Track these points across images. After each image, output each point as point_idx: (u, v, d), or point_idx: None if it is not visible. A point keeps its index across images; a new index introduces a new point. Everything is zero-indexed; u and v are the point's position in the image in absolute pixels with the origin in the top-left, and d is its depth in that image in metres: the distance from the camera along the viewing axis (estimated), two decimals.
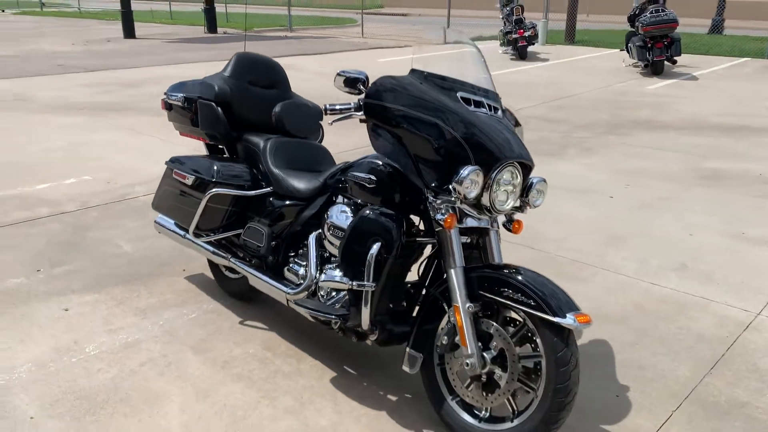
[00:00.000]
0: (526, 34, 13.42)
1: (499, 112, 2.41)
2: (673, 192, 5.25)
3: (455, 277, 2.24)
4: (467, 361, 2.22)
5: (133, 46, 15.79)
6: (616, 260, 3.94)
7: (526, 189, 2.39)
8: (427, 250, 2.49)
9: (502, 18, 14.19)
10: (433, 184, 2.22)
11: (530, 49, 14.10)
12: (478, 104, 2.33)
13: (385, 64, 13.03)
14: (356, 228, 2.36)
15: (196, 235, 3.08)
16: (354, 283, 2.26)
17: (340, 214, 2.56)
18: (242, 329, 3.09)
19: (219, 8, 23.09)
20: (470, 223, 2.31)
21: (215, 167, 2.98)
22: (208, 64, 12.30)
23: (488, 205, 2.23)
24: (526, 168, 2.32)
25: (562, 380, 2.08)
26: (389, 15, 32.77)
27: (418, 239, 2.39)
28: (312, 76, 11.24)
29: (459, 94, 2.29)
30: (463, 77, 2.44)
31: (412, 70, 2.31)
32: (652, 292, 3.53)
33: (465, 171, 2.12)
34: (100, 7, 31.55)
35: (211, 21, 19.51)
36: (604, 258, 3.97)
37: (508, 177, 2.25)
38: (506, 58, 13.94)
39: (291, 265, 2.85)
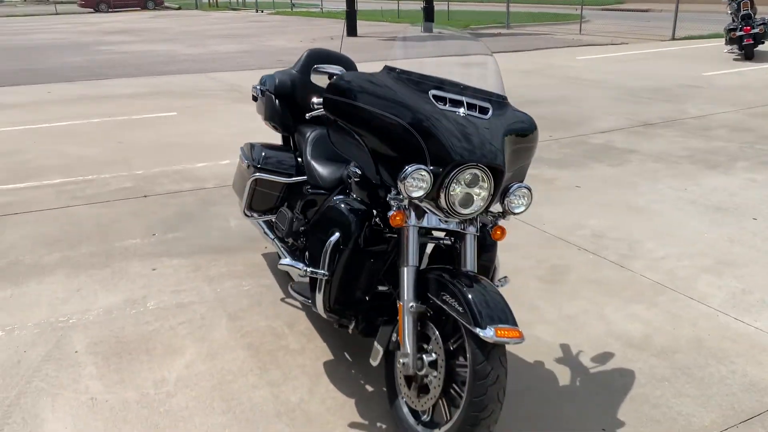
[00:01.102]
0: (754, 31, 11.86)
1: (489, 113, 2.33)
2: None
3: (404, 276, 2.23)
4: (401, 360, 2.21)
5: (349, 43, 16.95)
6: (706, 288, 3.47)
7: (502, 195, 2.29)
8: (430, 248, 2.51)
9: (730, 13, 12.68)
10: (389, 182, 2.23)
11: (759, 48, 12.43)
12: (457, 103, 2.28)
13: (581, 61, 12.44)
14: (320, 216, 2.45)
15: (247, 215, 3.39)
16: (308, 269, 2.37)
17: (341, 201, 2.67)
18: (278, 305, 3.33)
19: (441, 6, 23.72)
20: (432, 223, 2.28)
21: (262, 154, 3.24)
22: None
23: (445, 207, 2.19)
24: (499, 172, 2.22)
25: (478, 394, 2.00)
26: (628, 11, 30.81)
27: (386, 234, 2.41)
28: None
29: (432, 93, 2.27)
30: (451, 75, 2.41)
31: (386, 67, 2.33)
32: (729, 328, 3.08)
33: (409, 169, 2.11)
34: (342, 7, 34.12)
35: (428, 19, 20.13)
36: (694, 284, 3.52)
37: (470, 180, 2.18)
38: (729, 59, 12.47)
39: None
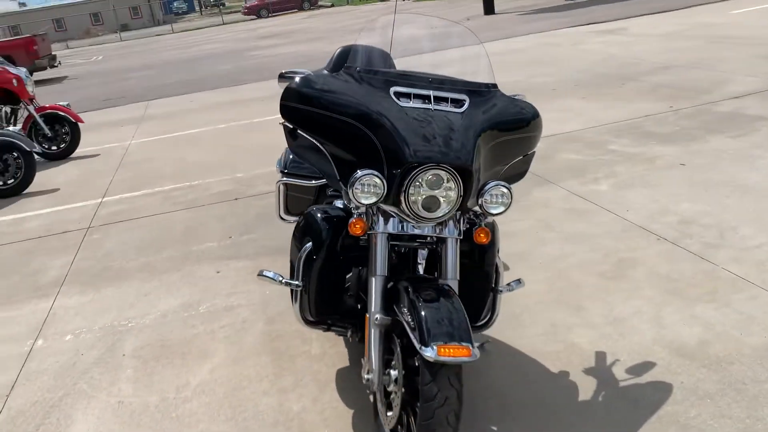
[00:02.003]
0: None
1: (465, 106, 2.14)
2: None
3: (371, 286, 2.12)
4: (365, 375, 2.10)
5: (485, 22, 16.52)
6: None
7: (477, 195, 2.10)
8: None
9: None
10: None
11: None
12: (424, 98, 2.12)
13: (733, 16, 11.07)
14: (297, 225, 2.39)
15: (283, 218, 3.41)
16: (283, 280, 2.32)
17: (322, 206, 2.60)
18: None
19: None
20: (402, 229, 2.13)
21: (290, 158, 3.25)
22: (543, 35, 12.30)
23: (407, 212, 2.04)
24: (467, 172, 2.03)
25: (425, 417, 1.85)
26: None
27: (362, 242, 2.30)
28: (629, 40, 10.30)
29: (393, 90, 2.13)
30: (426, 67, 2.25)
31: (346, 66, 2.21)
32: None
33: (357, 174, 1.99)
34: None
35: None
36: None
37: (432, 181, 2.02)
38: None
39: None
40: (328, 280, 2.28)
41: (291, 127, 2.23)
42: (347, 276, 2.39)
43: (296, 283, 2.30)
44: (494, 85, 2.29)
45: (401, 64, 2.46)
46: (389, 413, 2.11)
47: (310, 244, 2.27)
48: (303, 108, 2.16)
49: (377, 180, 1.99)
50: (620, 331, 2.78)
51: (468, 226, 2.21)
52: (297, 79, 2.20)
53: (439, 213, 2.06)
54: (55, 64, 18.49)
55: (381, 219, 2.12)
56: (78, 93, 13.77)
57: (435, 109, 2.11)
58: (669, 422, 2.22)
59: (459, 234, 2.16)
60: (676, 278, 3.14)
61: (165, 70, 16.30)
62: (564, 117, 6.40)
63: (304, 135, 2.21)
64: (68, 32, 47.79)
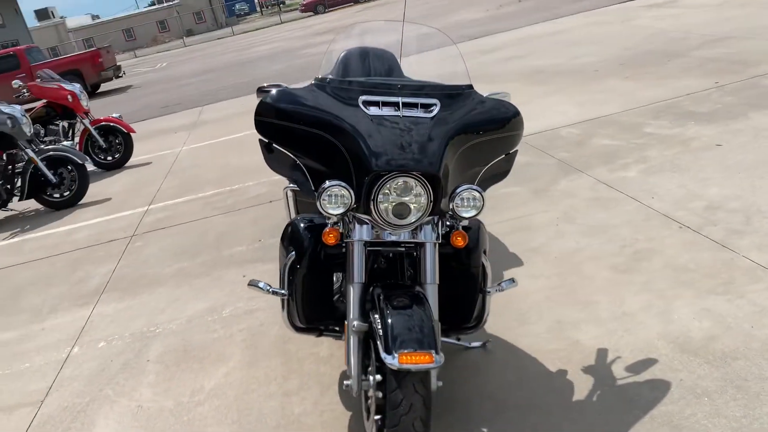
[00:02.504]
0: None
1: (435, 110, 2.15)
2: None
3: (349, 293, 2.16)
4: (345, 382, 2.14)
5: (531, 4, 16.15)
6: None
7: (452, 198, 2.11)
8: None
9: None
10: None
11: None
12: (394, 105, 2.14)
13: None
14: (283, 235, 2.45)
15: None
16: (270, 288, 2.38)
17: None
18: None
19: None
20: (374, 236, 2.16)
21: None
22: (592, 13, 11.94)
23: (378, 219, 2.07)
24: (435, 177, 2.04)
25: (391, 424, 1.88)
26: None
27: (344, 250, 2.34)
28: (681, 12, 9.84)
29: (362, 99, 2.16)
30: (390, 71, 2.27)
31: (315, 79, 2.25)
32: None
33: (325, 185, 2.04)
34: None
35: None
36: None
37: (401, 189, 2.04)
38: None
39: None
40: (313, 288, 2.33)
41: (266, 141, 2.29)
42: (335, 281, 2.44)
43: (282, 292, 2.36)
44: (469, 87, 2.28)
45: (406, 65, 2.47)
46: (370, 417, 2.15)
47: (293, 253, 2.33)
48: (276, 122, 2.22)
49: (344, 190, 2.03)
50: (626, 326, 2.71)
51: (448, 229, 2.21)
52: (271, 93, 2.25)
53: (411, 219, 2.07)
54: (120, 75, 19.30)
55: (357, 227, 2.15)
56: (139, 102, 14.35)
57: (404, 116, 2.12)
58: (662, 423, 2.16)
59: (437, 238, 2.17)
60: (692, 269, 3.03)
61: (221, 74, 16.74)
62: (604, 99, 6.22)
63: (279, 149, 2.26)
64: (137, 41, 49.79)
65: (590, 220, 3.77)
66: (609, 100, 6.15)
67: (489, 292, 2.36)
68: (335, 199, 2.04)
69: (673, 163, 4.33)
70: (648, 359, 2.49)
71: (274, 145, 2.28)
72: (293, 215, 3.42)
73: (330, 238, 2.13)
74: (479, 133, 2.21)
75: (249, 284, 2.43)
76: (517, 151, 2.39)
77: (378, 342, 1.92)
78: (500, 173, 2.39)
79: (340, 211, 2.05)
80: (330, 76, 2.24)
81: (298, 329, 2.43)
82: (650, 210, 3.72)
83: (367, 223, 2.14)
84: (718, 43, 7.42)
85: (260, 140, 2.32)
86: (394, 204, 2.05)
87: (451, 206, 2.09)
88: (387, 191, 2.04)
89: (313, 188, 2.21)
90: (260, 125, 2.26)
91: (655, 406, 2.24)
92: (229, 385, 2.92)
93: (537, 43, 10.33)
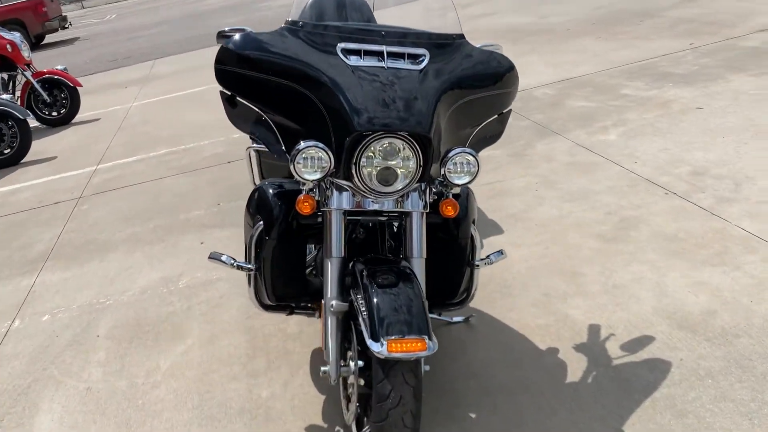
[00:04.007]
0: None
1: (424, 62, 1.89)
2: None
3: (327, 269, 1.91)
4: (321, 368, 1.91)
5: None
6: None
7: (440, 164, 1.87)
8: None
9: None
10: None
11: None
12: (378, 55, 1.87)
13: None
14: (249, 202, 2.18)
15: None
16: (235, 263, 2.12)
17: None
18: None
19: None
20: (355, 204, 1.91)
21: None
22: None
23: (360, 186, 1.82)
24: (425, 138, 1.79)
25: (378, 418, 1.66)
26: None
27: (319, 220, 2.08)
28: None
29: (340, 46, 1.88)
30: (380, 19, 1.99)
31: (287, 22, 1.96)
32: None
33: (300, 146, 1.77)
34: None
35: None
36: None
37: (387, 151, 1.79)
38: None
39: None
40: (284, 262, 2.08)
41: (229, 93, 1.99)
42: (308, 254, 2.19)
43: (249, 266, 2.10)
44: (461, 36, 2.02)
45: (382, 16, 2.18)
46: (350, 406, 1.93)
47: (261, 223, 2.07)
48: (240, 72, 1.92)
49: (321, 152, 1.77)
50: (618, 300, 2.55)
51: (436, 197, 1.98)
52: (233, 37, 1.95)
53: (398, 186, 1.83)
54: (66, 26, 18.24)
55: (335, 194, 1.90)
56: (86, 54, 13.57)
57: (389, 67, 1.86)
58: (664, 407, 2.01)
59: (425, 207, 1.93)
60: (682, 238, 2.88)
61: (174, 26, 15.96)
62: (577, 60, 6.02)
63: (244, 102, 1.97)
64: None
65: (571, 185, 3.59)
66: (583, 61, 5.96)
67: (478, 265, 2.15)
68: (312, 162, 1.78)
69: (654, 126, 4.17)
70: (644, 336, 2.33)
71: (237, 98, 1.99)
72: (257, 179, 3.13)
73: (305, 206, 1.87)
74: (472, 89, 1.97)
75: (210, 257, 2.16)
76: (510, 110, 2.15)
77: (362, 326, 1.69)
78: (492, 135, 2.16)
79: (318, 176, 1.79)
80: (301, 22, 1.95)
81: (266, 307, 2.18)
82: (633, 175, 3.55)
83: (346, 190, 1.89)
84: (690, 3, 7.27)
85: (221, 93, 2.02)
86: (378, 168, 1.80)
87: (442, 171, 1.86)
88: (371, 154, 1.79)
89: (284, 149, 1.94)
90: (222, 75, 1.95)
91: (656, 389, 2.08)
92: (187, 365, 2.66)
93: (503, 1, 10.04)
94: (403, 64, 1.87)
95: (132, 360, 2.77)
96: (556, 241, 3.05)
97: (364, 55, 1.87)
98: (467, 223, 2.10)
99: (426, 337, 1.63)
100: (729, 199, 3.11)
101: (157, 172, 5.17)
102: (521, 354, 2.36)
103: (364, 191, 1.84)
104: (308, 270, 2.21)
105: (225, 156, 5.24)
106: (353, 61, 1.85)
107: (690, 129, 4.02)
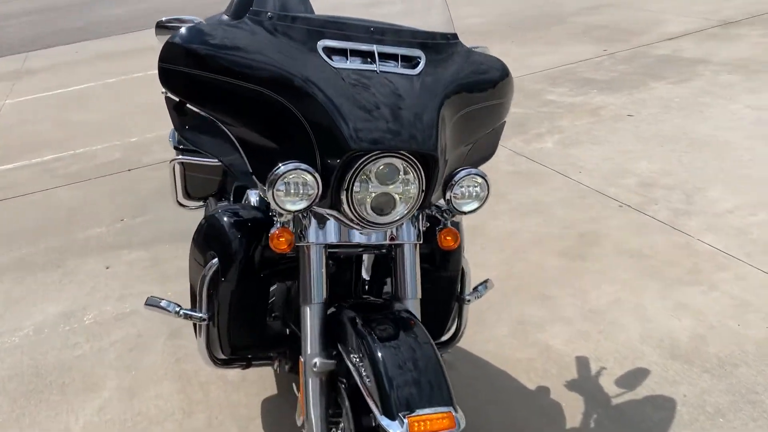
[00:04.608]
0: None
1: (421, 65, 1.56)
2: None
3: (305, 318, 1.55)
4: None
5: None
6: None
7: (444, 189, 1.56)
8: None
9: None
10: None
11: None
12: (365, 55, 1.53)
13: None
14: (198, 233, 1.77)
15: (182, 205, 2.74)
16: (181, 311, 1.71)
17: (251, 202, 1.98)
18: None
19: None
20: (342, 237, 1.56)
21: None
22: None
23: (351, 215, 1.47)
24: (431, 158, 1.48)
25: None
26: None
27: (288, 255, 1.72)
28: None
29: (321, 44, 1.52)
30: (363, 10, 1.65)
31: (253, 11, 1.57)
32: None
33: (279, 170, 1.39)
34: None
35: None
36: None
37: (385, 174, 1.45)
38: None
39: None
40: (245, 308, 1.69)
41: (177, 100, 1.58)
42: (270, 295, 1.81)
43: (200, 315, 1.69)
44: (454, 36, 1.72)
45: (320, 5, 1.78)
46: None
47: (215, 261, 1.66)
48: (193, 73, 1.51)
49: (308, 176, 1.40)
50: (599, 327, 2.35)
51: (428, 224, 1.67)
52: (182, 30, 1.53)
53: (395, 216, 1.50)
54: None
55: (314, 225, 1.54)
56: None
57: (381, 71, 1.52)
58: None
59: (418, 237, 1.61)
60: (649, 254, 2.74)
61: (52, 15, 14.59)
62: None
63: (197, 111, 1.56)
64: None
65: (520, 197, 3.39)
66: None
67: (469, 300, 1.86)
68: (296, 188, 1.41)
69: (590, 134, 4.08)
70: (638, 369, 2.13)
71: (188, 105, 1.57)
72: (180, 196, 2.69)
73: (281, 243, 1.49)
74: (471, 99, 1.67)
75: (146, 304, 1.73)
76: (505, 122, 1.88)
77: (368, 398, 1.35)
78: (486, 153, 1.88)
79: (302, 206, 1.43)
80: (270, 12, 1.57)
81: (220, 362, 1.78)
82: (582, 186, 3.41)
83: (329, 219, 1.54)
84: (594, 11, 7.40)
85: (167, 98, 1.60)
86: (374, 195, 1.46)
87: (447, 197, 1.55)
88: (365, 177, 1.45)
89: (250, 170, 1.55)
90: (167, 76, 1.53)
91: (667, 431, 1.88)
92: (106, 426, 2.19)
93: None
94: (396, 68, 1.55)
95: (33, 421, 2.25)
96: (519, 259, 2.82)
97: (350, 55, 1.52)
98: (459, 252, 1.81)
99: (452, 409, 1.32)
100: (685, 212, 3.02)
101: (42, 181, 4.50)
102: (510, 395, 2.09)
103: (354, 221, 1.50)
104: (271, 315, 1.83)
105: (123, 163, 4.65)
106: (338, 62, 1.50)
107: (625, 137, 3.95)
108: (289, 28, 1.53)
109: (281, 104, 1.46)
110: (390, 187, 1.47)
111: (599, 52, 5.79)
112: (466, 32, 7.01)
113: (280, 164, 1.40)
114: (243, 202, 2.03)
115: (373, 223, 1.49)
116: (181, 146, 2.54)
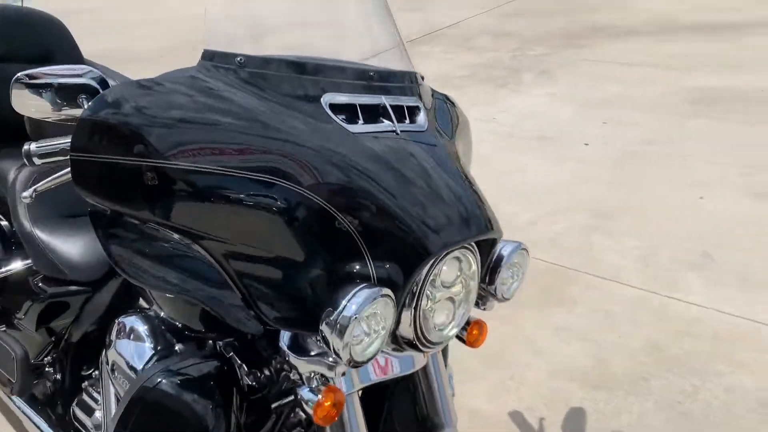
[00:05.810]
0: None
1: (420, 117, 1.15)
2: (661, 129, 4.08)
3: None
4: None
5: None
6: (610, 257, 2.80)
7: (489, 271, 1.18)
8: None
9: None
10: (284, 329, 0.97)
11: None
12: (373, 111, 1.07)
13: None
14: (134, 404, 1.10)
15: None
16: None
17: (135, 339, 1.29)
18: None
19: None
20: (376, 375, 1.09)
21: None
22: None
23: (412, 338, 1.01)
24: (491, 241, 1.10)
25: None
26: None
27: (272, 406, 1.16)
28: None
29: (326, 99, 1.02)
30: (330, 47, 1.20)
31: (206, 53, 0.99)
32: (673, 313, 2.43)
33: (355, 301, 0.88)
34: None
35: None
36: (593, 254, 2.83)
37: (452, 275, 1.04)
38: None
39: (82, 396, 1.61)
40: None
41: (107, 212, 0.90)
42: None
43: None
44: (422, 77, 1.34)
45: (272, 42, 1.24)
46: None
47: None
48: (143, 164, 0.87)
49: (389, 301, 0.92)
50: (509, 372, 2.19)
51: None
52: (113, 91, 0.88)
53: (452, 329, 1.10)
54: None
55: (343, 367, 1.03)
56: None
57: (400, 132, 1.09)
58: None
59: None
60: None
61: None
62: None
63: (152, 228, 0.91)
64: None
65: None
66: None
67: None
68: (375, 324, 0.91)
69: None
70: (572, 410, 2.03)
71: (129, 216, 0.90)
72: None
73: (332, 411, 0.96)
74: (460, 146, 1.34)
75: None
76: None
77: None
78: None
79: (376, 347, 0.93)
80: (242, 56, 0.98)
81: None
82: None
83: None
84: None
85: (92, 212, 0.90)
86: (438, 301, 1.04)
87: (498, 281, 1.19)
88: (434, 280, 1.02)
89: (262, 313, 0.96)
90: (88, 175, 0.85)
91: None
92: None
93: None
94: (408, 124, 1.13)
95: None
96: None
97: (362, 112, 1.05)
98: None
99: None
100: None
101: None
102: None
103: (410, 344, 1.04)
104: None
105: None
106: (352, 125, 1.02)
107: None
108: (278, 79, 1.00)
109: (304, 197, 0.94)
110: (453, 289, 1.07)
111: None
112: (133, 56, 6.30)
113: (342, 297, 0.89)
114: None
115: (430, 342, 1.07)
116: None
